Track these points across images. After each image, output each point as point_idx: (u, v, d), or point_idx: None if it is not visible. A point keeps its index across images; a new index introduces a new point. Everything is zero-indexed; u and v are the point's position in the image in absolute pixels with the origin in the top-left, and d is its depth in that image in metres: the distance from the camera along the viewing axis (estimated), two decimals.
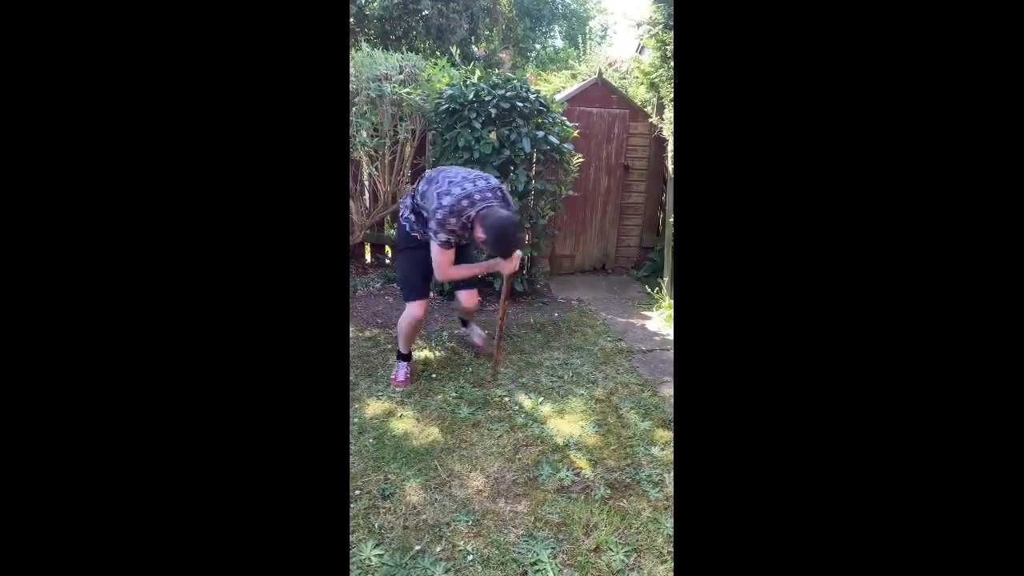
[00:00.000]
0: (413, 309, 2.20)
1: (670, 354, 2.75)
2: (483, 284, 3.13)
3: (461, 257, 2.20)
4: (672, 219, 3.38)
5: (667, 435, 1.98)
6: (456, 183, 2.00)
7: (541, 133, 3.02)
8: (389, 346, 2.65)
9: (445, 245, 2.01)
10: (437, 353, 2.60)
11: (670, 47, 3.10)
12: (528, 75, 3.94)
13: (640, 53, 4.71)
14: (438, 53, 4.73)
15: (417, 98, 3.07)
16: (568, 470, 1.75)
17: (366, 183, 3.28)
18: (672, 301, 3.32)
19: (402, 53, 3.43)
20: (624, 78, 4.74)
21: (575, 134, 3.31)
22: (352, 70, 2.92)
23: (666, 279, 3.53)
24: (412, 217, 2.18)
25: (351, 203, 3.17)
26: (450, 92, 3.02)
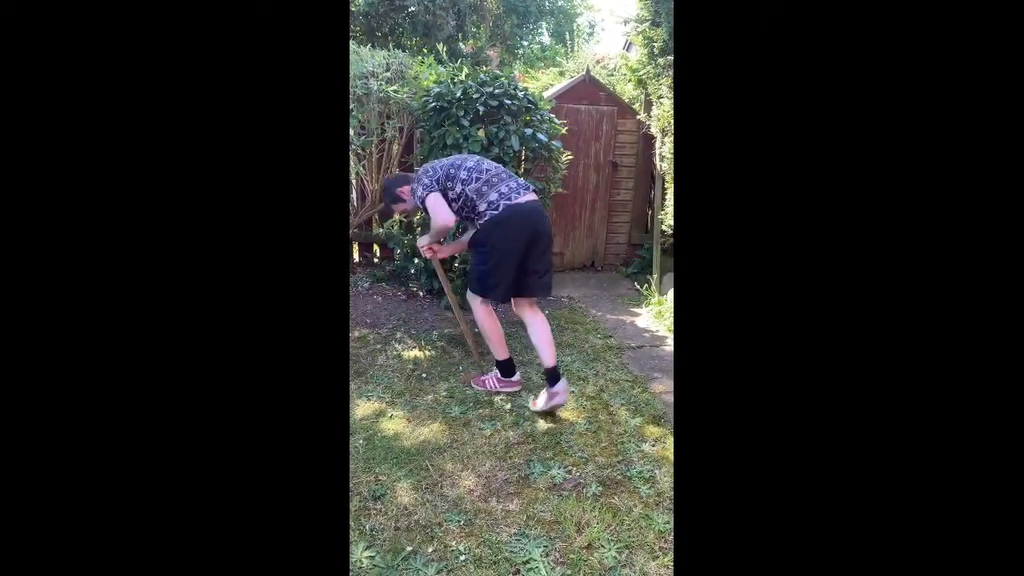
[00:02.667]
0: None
1: (660, 350, 2.76)
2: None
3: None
4: (660, 215, 3.39)
5: (658, 431, 1.99)
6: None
7: (529, 131, 3.02)
8: (379, 346, 2.63)
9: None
10: (427, 352, 2.59)
11: (657, 44, 3.10)
12: (516, 72, 3.93)
13: (627, 50, 4.72)
14: (425, 50, 4.70)
15: (404, 96, 3.05)
16: (559, 468, 1.75)
17: (353, 182, 3.26)
18: (661, 297, 3.34)
19: (388, 50, 3.40)
20: (612, 75, 4.75)
21: (563, 131, 3.31)
22: None
23: (655, 276, 3.55)
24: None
25: None
26: (438, 90, 3.00)
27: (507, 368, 2.22)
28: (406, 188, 2.24)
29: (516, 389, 2.23)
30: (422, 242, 2.33)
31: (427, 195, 2.08)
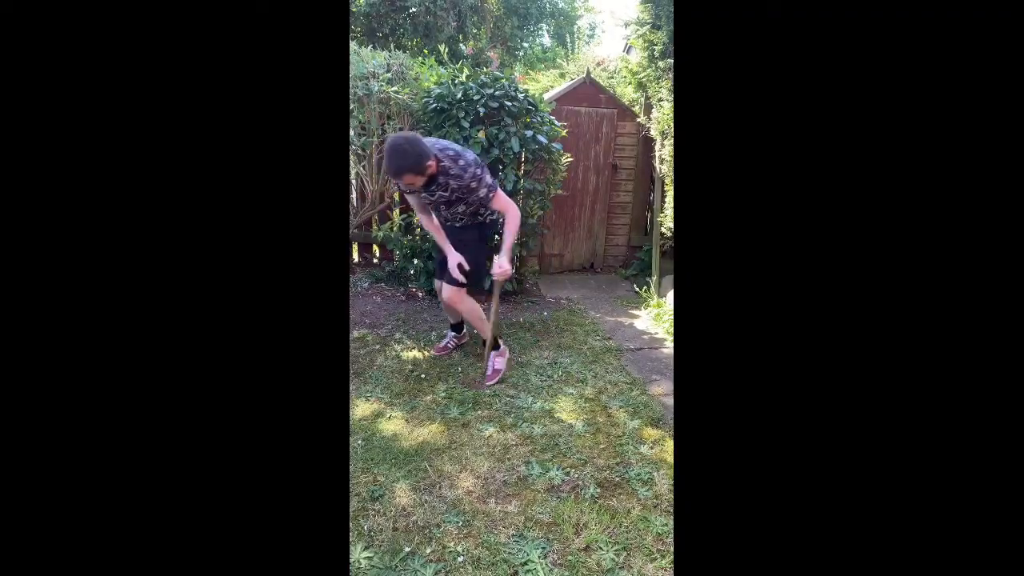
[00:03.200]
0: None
1: (659, 352, 2.76)
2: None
3: (478, 236, 2.26)
4: (659, 218, 3.40)
5: (656, 433, 2.00)
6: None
7: (530, 132, 3.02)
8: (377, 346, 2.63)
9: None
10: (426, 352, 2.59)
11: (658, 47, 3.11)
12: (516, 74, 3.94)
13: (628, 53, 4.73)
14: (425, 51, 4.71)
15: (405, 97, 3.05)
16: (558, 469, 1.75)
17: (353, 182, 3.26)
18: (660, 300, 3.34)
19: (389, 51, 3.41)
20: (612, 77, 4.76)
21: (564, 133, 3.32)
22: None
23: (654, 278, 3.55)
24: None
25: None
26: (438, 91, 3.01)
27: (496, 342, 2.34)
28: (434, 165, 1.96)
29: (508, 355, 2.44)
30: (504, 263, 2.08)
31: (497, 191, 2.10)
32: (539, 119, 3.13)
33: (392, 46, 4.76)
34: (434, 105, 3.00)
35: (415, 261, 3.30)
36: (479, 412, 2.08)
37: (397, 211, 3.51)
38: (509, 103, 2.97)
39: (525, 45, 10.03)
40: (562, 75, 5.53)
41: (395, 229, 3.46)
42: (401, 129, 3.14)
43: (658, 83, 3.17)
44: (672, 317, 3.04)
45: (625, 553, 1.42)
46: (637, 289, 3.64)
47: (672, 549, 1.43)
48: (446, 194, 2.07)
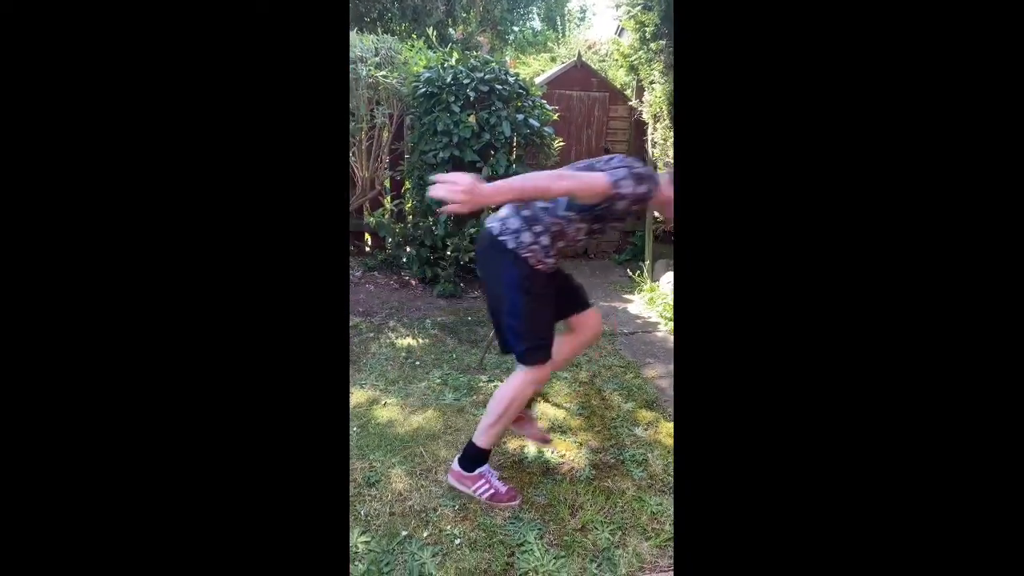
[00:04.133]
0: (536, 372, 1.45)
1: (652, 336, 2.78)
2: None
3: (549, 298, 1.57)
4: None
5: (650, 415, 2.01)
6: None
7: (521, 116, 3.00)
8: (371, 334, 2.62)
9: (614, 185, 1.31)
10: (420, 340, 2.59)
11: (649, 28, 3.08)
12: (507, 59, 3.90)
13: (619, 35, 4.69)
14: (414, 36, 4.64)
15: (394, 81, 3.01)
16: (553, 452, 1.76)
17: None
18: (653, 284, 3.35)
19: (377, 35, 3.36)
20: (603, 61, 4.72)
21: (555, 117, 3.29)
22: None
23: (647, 262, 3.56)
24: (542, 240, 1.46)
25: None
26: (428, 75, 2.97)
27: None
28: None
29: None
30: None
31: None
32: (530, 103, 3.11)
33: (380, 30, 4.68)
34: (423, 89, 2.96)
35: (407, 249, 3.28)
36: (474, 397, 2.09)
37: (389, 198, 3.48)
38: (500, 87, 2.94)
39: (515, 29, 9.91)
40: (553, 59, 5.48)
41: (387, 216, 3.43)
42: (391, 114, 3.10)
43: (650, 65, 3.15)
44: (665, 301, 3.05)
45: (620, 532, 1.44)
46: (631, 274, 3.65)
47: (666, 528, 1.45)
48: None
